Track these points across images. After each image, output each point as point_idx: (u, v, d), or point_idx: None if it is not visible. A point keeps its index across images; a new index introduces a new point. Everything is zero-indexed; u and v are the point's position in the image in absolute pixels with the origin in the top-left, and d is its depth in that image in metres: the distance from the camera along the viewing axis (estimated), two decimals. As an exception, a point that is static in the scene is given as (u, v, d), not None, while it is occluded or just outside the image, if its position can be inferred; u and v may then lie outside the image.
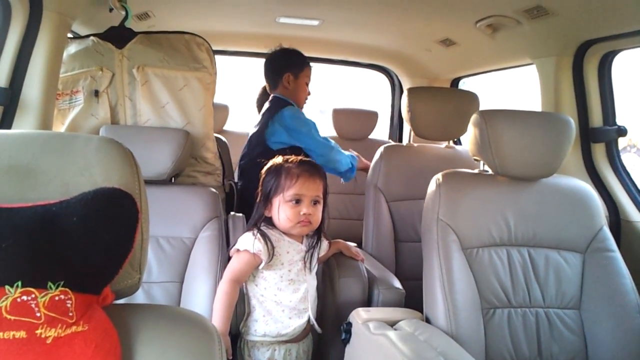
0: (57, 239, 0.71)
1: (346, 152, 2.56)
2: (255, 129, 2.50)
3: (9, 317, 0.67)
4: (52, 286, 0.70)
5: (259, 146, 2.40)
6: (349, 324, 1.62)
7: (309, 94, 2.62)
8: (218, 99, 3.33)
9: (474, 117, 1.74)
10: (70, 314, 0.71)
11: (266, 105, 2.55)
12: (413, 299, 1.82)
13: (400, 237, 2.44)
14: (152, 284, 1.73)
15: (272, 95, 2.57)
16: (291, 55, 2.58)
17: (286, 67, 2.53)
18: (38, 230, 0.70)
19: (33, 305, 0.68)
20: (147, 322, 0.81)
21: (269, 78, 2.60)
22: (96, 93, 1.99)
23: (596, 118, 2.18)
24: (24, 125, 1.77)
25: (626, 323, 1.59)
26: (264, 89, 3.30)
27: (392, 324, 1.53)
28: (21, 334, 0.67)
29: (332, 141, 2.49)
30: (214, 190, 1.92)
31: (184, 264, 1.76)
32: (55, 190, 0.77)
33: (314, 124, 2.44)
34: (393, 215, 2.44)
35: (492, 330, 1.58)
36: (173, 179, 1.98)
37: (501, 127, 1.66)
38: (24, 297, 0.67)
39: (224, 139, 2.62)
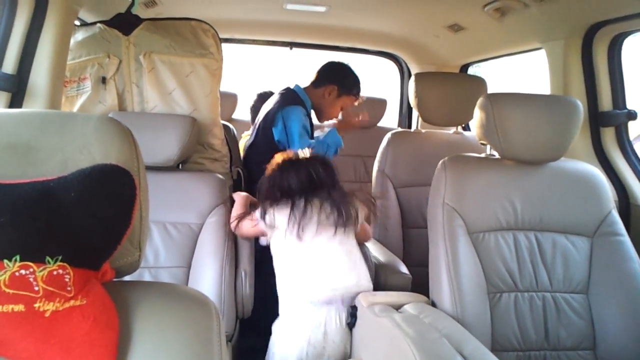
0: (55, 215, 0.72)
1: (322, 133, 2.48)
2: (260, 120, 2.48)
3: (7, 290, 0.67)
4: (50, 261, 0.70)
5: (264, 135, 2.40)
6: (354, 308, 1.62)
7: (336, 116, 2.59)
8: (226, 87, 3.34)
9: (480, 100, 1.72)
10: (69, 288, 0.71)
11: (277, 95, 2.51)
12: (421, 286, 1.81)
13: (407, 224, 2.44)
14: (159, 268, 1.75)
15: (293, 86, 2.53)
16: (352, 79, 2.54)
17: (338, 81, 2.50)
18: (36, 205, 0.71)
19: (31, 279, 0.68)
20: (145, 298, 0.82)
21: (318, 75, 2.55)
22: (103, 80, 2.01)
23: (606, 102, 2.14)
24: (32, 111, 1.78)
25: (634, 307, 1.58)
26: (259, 96, 3.27)
27: (398, 308, 1.53)
28: (20, 307, 0.68)
29: (311, 141, 2.37)
30: (220, 176, 1.93)
31: (191, 249, 1.78)
32: (54, 167, 0.78)
33: (304, 132, 2.36)
34: (400, 202, 2.44)
35: (499, 315, 1.57)
36: (180, 165, 1.99)
37: (507, 110, 1.64)
38: (22, 271, 0.68)
39: (232, 127, 2.62)
